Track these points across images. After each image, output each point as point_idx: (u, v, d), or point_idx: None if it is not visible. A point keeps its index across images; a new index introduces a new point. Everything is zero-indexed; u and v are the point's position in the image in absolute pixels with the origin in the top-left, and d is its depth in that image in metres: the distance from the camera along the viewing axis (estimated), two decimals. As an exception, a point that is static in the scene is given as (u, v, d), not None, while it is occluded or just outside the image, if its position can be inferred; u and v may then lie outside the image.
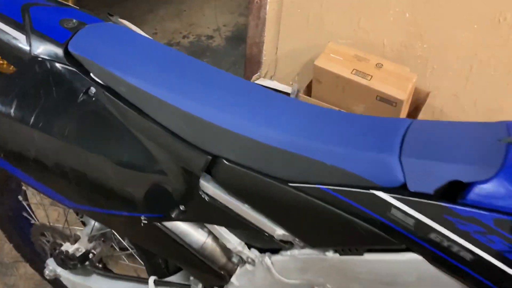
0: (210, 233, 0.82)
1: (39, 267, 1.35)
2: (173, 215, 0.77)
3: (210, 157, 0.71)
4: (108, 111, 0.75)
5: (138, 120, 0.73)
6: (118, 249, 1.16)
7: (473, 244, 0.55)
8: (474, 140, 0.61)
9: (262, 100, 0.76)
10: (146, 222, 0.78)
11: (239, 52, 2.82)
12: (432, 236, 0.57)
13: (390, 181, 0.60)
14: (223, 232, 0.79)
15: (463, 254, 0.56)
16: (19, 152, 0.80)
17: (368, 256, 0.66)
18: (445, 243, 0.57)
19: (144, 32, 0.91)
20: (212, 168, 0.72)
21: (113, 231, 1.10)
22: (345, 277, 0.70)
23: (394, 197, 0.60)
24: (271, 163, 0.68)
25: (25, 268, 1.61)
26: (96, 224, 1.12)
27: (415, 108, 1.92)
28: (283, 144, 0.66)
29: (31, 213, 1.26)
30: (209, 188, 0.73)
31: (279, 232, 0.72)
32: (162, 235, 0.80)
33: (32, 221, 1.25)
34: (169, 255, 0.88)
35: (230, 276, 0.83)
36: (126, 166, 0.75)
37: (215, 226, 0.79)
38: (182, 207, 0.77)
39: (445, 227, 0.56)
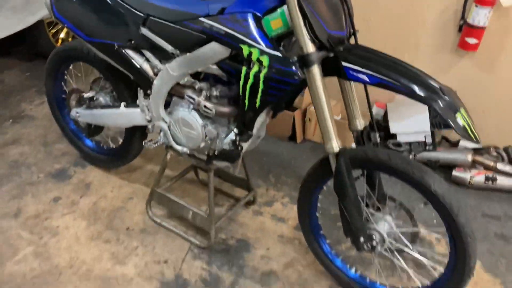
0: (145, 58, 1.81)
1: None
2: (128, 44, 1.78)
3: (144, 15, 1.72)
4: None
5: (115, 1, 1.76)
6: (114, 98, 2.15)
7: (224, 27, 1.52)
8: None
9: None
10: (116, 47, 1.79)
11: None
12: (214, 29, 1.55)
13: (204, 13, 1.59)
14: (151, 55, 1.78)
15: (223, 33, 1.52)
16: (74, 18, 1.85)
17: (199, 49, 1.62)
18: (219, 31, 1.54)
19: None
20: (146, 21, 1.73)
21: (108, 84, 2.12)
22: (192, 64, 1.66)
23: (205, 18, 1.58)
24: (168, 15, 1.68)
25: (61, 145, 2.61)
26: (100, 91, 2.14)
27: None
28: (171, 6, 1.68)
29: (66, 91, 2.31)
30: (144, 30, 1.73)
31: (170, 48, 1.70)
32: (124, 56, 1.80)
33: (67, 93, 2.30)
34: (126, 69, 1.87)
35: (153, 81, 1.81)
36: (108, 19, 1.77)
37: (147, 52, 1.78)
38: (132, 41, 1.77)
39: (218, 24, 1.54)
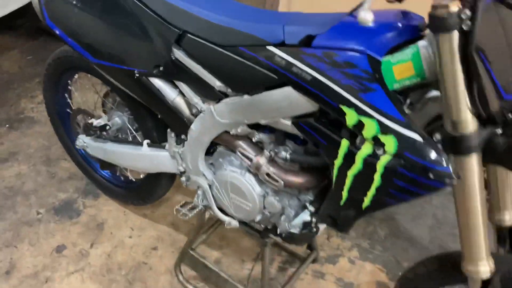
0: (179, 92, 1.23)
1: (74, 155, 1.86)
2: (154, 72, 1.20)
3: (179, 31, 1.13)
4: (120, 2, 1.19)
5: (138, 6, 1.16)
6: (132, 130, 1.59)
7: (312, 69, 0.93)
8: (333, 19, 0.99)
9: (217, 2, 1.18)
10: (137, 75, 1.21)
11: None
12: (294, 69, 0.96)
13: (276, 39, 1.00)
14: (187, 89, 1.21)
15: (307, 77, 0.94)
16: (74, 30, 1.26)
17: (264, 93, 1.04)
18: (299, 72, 0.95)
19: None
20: (180, 40, 1.14)
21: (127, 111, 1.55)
22: (252, 111, 1.09)
23: (277, 48, 0.99)
24: (215, 34, 1.09)
25: (68, 163, 2.09)
26: (115, 114, 1.57)
27: None
28: (220, 21, 1.08)
29: (71, 104, 1.74)
30: (178, 53, 1.15)
31: (218, 83, 1.12)
32: (148, 88, 1.23)
33: (71, 108, 1.74)
34: (151, 105, 1.30)
35: (191, 124, 1.24)
36: (126, 33, 1.18)
37: (182, 84, 1.21)
38: (160, 67, 1.19)
39: (300, 62, 0.95)
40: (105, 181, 1.88)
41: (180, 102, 1.24)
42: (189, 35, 1.12)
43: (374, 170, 0.87)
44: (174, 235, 1.81)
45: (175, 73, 1.19)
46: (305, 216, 1.15)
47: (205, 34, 1.10)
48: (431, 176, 0.81)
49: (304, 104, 0.98)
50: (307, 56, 0.94)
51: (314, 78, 0.93)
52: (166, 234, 1.82)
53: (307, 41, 0.95)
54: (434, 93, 0.92)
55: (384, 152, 0.85)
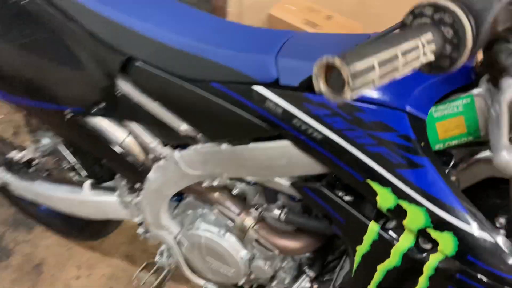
0: (130, 132, 0.93)
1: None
2: (93, 111, 0.88)
3: (125, 57, 0.81)
4: (37, 14, 0.84)
5: (64, 22, 0.82)
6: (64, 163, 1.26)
7: (323, 125, 0.67)
8: (337, 44, 0.72)
9: (178, 13, 0.86)
10: (69, 117, 0.89)
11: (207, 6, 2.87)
12: (295, 121, 0.69)
13: (267, 76, 0.72)
14: (141, 130, 0.90)
15: (315, 135, 0.68)
16: None
17: (252, 145, 0.77)
18: (304, 127, 0.69)
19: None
20: (127, 68, 0.82)
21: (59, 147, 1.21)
22: (236, 165, 0.82)
23: (269, 90, 0.71)
24: (176, 63, 0.78)
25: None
26: (44, 139, 1.22)
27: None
28: (184, 46, 0.77)
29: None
30: (125, 85, 0.83)
31: (183, 127, 0.83)
32: (86, 131, 0.91)
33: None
34: (93, 150, 0.99)
35: (148, 172, 0.95)
36: (51, 60, 0.85)
37: (134, 124, 0.90)
38: (102, 104, 0.87)
39: (304, 112, 0.68)
40: (41, 212, 1.54)
41: (131, 146, 0.93)
42: (139, 62, 0.81)
43: (419, 271, 0.64)
44: (131, 270, 1.53)
45: (122, 111, 0.88)
46: (305, 284, 0.92)
47: (162, 61, 0.80)
48: None
49: (311, 165, 0.72)
50: (316, 106, 0.67)
51: (327, 138, 0.67)
52: (121, 271, 1.53)
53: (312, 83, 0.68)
54: (487, 153, 0.68)
55: (435, 249, 0.62)
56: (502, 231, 0.62)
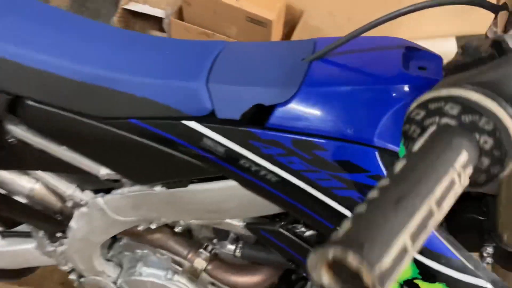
0: (38, 179, 0.75)
1: None
2: (-17, 165, 0.69)
3: (9, 97, 0.63)
4: None
5: None
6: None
7: (276, 166, 0.55)
8: (280, 60, 0.60)
9: (75, 33, 0.68)
10: None
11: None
12: (242, 162, 0.57)
13: (199, 109, 0.58)
14: (49, 177, 0.73)
15: (270, 177, 0.56)
16: None
17: (192, 187, 0.64)
18: (253, 168, 0.56)
19: None
20: (16, 109, 0.64)
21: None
22: (175, 209, 0.69)
23: (204, 126, 0.57)
24: (78, 99, 0.62)
25: None
26: None
27: (291, 28, 1.90)
28: (87, 77, 0.60)
29: None
30: (16, 130, 0.66)
31: (103, 171, 0.68)
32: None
33: None
34: None
35: (69, 220, 0.79)
36: None
37: (38, 171, 0.73)
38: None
39: (251, 152, 0.56)
40: None
41: (41, 195, 0.76)
42: (29, 101, 0.63)
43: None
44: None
45: (22, 160, 0.70)
46: None
47: (60, 98, 0.62)
48: None
49: (268, 206, 0.61)
50: (265, 143, 0.55)
51: (284, 181, 0.55)
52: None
53: (259, 115, 0.55)
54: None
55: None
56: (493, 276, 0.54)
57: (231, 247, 0.75)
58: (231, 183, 0.61)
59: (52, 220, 0.79)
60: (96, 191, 0.75)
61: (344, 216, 0.53)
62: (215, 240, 0.78)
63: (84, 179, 0.73)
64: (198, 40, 0.70)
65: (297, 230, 0.62)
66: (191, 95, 0.58)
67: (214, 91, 0.57)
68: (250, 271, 0.78)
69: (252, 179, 0.57)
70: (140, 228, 0.76)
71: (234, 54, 0.63)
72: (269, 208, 0.61)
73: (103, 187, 0.73)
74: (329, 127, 0.52)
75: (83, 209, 0.76)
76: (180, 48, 0.66)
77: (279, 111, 0.54)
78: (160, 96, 0.59)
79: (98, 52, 0.64)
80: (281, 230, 0.62)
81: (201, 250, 0.77)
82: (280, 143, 0.54)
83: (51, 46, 0.63)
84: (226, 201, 0.63)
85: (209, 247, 0.78)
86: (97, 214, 0.74)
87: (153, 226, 0.75)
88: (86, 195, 0.74)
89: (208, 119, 0.57)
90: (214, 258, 0.78)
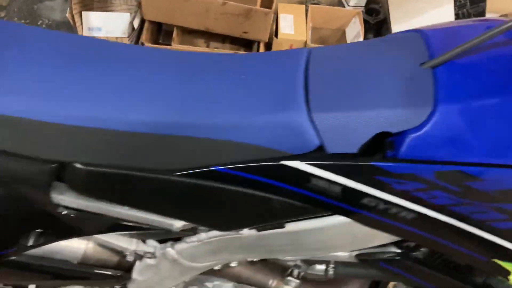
0: (90, 238, 0.64)
1: None
2: (29, 244, 0.57)
3: (54, 166, 0.50)
4: None
5: None
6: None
7: (414, 203, 0.46)
8: (389, 67, 0.48)
9: (108, 67, 0.54)
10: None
11: None
12: (365, 201, 0.47)
13: (303, 146, 0.47)
14: (106, 237, 0.62)
15: (404, 214, 0.47)
16: None
17: (290, 227, 0.55)
18: (381, 206, 0.47)
19: None
20: (64, 175, 0.51)
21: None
22: (266, 250, 0.60)
23: (311, 164, 0.47)
24: (143, 154, 0.49)
25: None
26: None
27: None
28: (147, 127, 0.48)
29: None
30: (65, 199, 0.53)
31: (177, 225, 0.57)
32: (28, 268, 0.60)
33: None
34: (48, 284, 0.69)
35: (129, 272, 0.68)
36: None
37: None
38: (38, 230, 0.56)
39: (379, 189, 0.46)
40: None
41: (95, 255, 0.65)
42: (78, 165, 0.50)
43: None
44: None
45: (73, 229, 0.58)
46: None
47: (117, 156, 0.50)
48: None
49: (386, 238, 0.52)
50: (398, 179, 0.45)
51: (424, 217, 0.47)
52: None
53: (380, 144, 0.45)
54: None
55: None
56: None
57: (321, 267, 0.67)
58: (342, 219, 0.51)
59: (109, 277, 0.68)
60: (161, 241, 0.64)
61: (504, 248, 0.46)
62: (299, 262, 0.69)
63: (148, 236, 0.62)
64: (270, 52, 0.56)
65: (420, 257, 0.55)
66: (291, 130, 0.47)
67: (320, 122, 0.46)
68: (340, 285, 0.72)
69: (380, 218, 0.48)
70: (217, 267, 0.66)
71: (326, 64, 0.51)
72: (388, 239, 0.53)
73: (171, 237, 0.62)
74: (482, 151, 0.43)
75: (149, 261, 0.65)
76: (255, 66, 0.53)
77: (414, 138, 0.44)
78: (249, 137, 0.47)
79: (152, 89, 0.50)
80: (406, 260, 0.54)
81: (288, 278, 0.69)
82: (419, 176, 0.44)
83: (87, 94, 0.49)
84: (335, 239, 0.54)
85: (295, 272, 0.69)
86: (166, 263, 0.64)
87: (233, 264, 0.66)
88: (151, 246, 0.64)
89: (315, 155, 0.47)
90: (304, 282, 0.70)
